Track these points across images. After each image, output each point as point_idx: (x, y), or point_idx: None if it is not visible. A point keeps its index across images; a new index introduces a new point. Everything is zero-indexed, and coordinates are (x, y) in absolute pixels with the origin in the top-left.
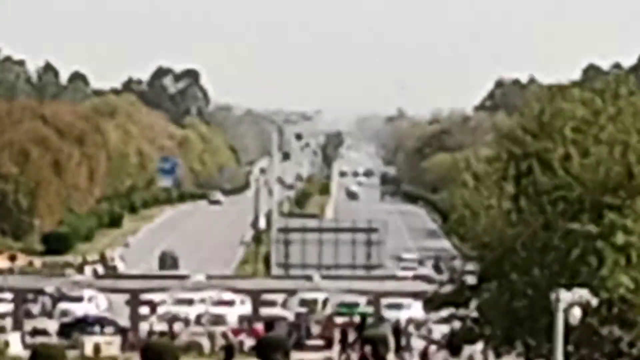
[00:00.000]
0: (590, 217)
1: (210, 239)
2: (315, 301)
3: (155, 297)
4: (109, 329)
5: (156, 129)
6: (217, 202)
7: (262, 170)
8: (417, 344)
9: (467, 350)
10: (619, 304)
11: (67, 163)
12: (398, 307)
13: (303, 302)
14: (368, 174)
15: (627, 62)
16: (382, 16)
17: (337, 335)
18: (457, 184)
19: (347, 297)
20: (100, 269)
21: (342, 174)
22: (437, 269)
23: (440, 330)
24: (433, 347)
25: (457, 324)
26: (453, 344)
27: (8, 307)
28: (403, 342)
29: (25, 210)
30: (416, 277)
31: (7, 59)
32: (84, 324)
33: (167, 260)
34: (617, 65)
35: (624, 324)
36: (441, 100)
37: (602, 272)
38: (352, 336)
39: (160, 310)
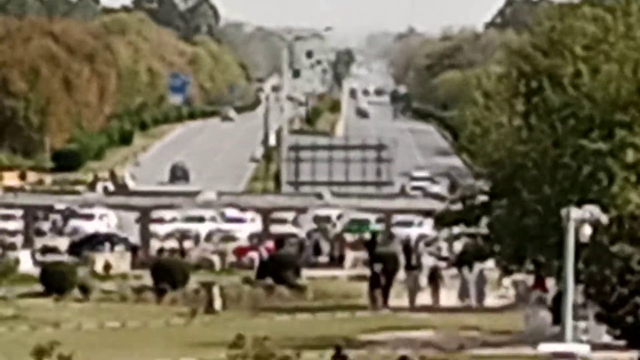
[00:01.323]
0: (600, 134)
1: (220, 156)
2: (328, 218)
3: (166, 214)
4: (119, 247)
5: (166, 46)
6: (229, 119)
7: (275, 88)
8: (428, 261)
9: (477, 267)
10: (629, 221)
11: (77, 81)
12: (408, 224)
13: (317, 219)
14: (379, 92)
15: None
16: None
17: (348, 252)
18: (467, 101)
19: (358, 214)
20: (110, 187)
21: (353, 92)
22: (452, 188)
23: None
24: (443, 264)
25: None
26: (463, 260)
27: (18, 225)
28: (413, 259)
29: (36, 128)
30: (427, 195)
31: None
32: (94, 242)
33: (178, 172)
34: None
35: (634, 241)
36: (452, 17)
37: (612, 190)
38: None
39: (171, 227)
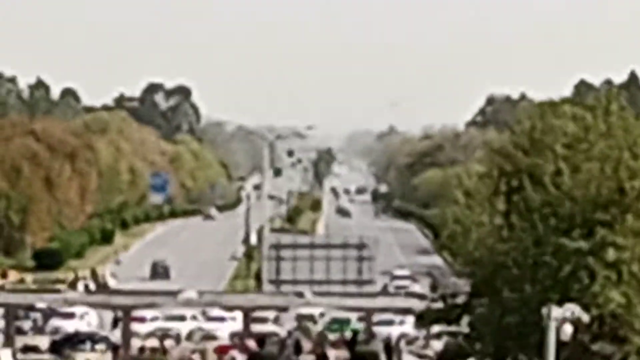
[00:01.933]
0: (581, 233)
1: (201, 254)
2: (311, 316)
3: (147, 313)
4: (100, 346)
5: (147, 145)
6: (211, 218)
7: (256, 187)
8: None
9: None
10: (610, 320)
11: (59, 179)
12: (390, 323)
13: (299, 317)
14: (360, 190)
15: (618, 78)
16: (373, 32)
17: (329, 351)
18: (448, 200)
19: (339, 313)
20: (91, 286)
21: (334, 191)
22: (433, 287)
23: (434, 347)
24: None
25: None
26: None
27: None
28: (394, 358)
29: (17, 227)
30: (408, 294)
31: None
32: (75, 341)
33: (159, 269)
34: (608, 82)
35: (615, 340)
36: (432, 117)
37: (593, 288)
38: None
39: (152, 326)
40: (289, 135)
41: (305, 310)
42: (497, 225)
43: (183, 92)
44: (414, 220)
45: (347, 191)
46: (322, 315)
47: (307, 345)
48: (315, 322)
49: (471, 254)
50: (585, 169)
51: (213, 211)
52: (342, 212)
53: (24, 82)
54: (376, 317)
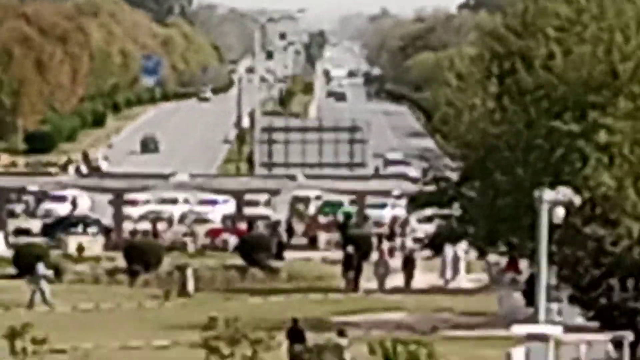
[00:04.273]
0: (573, 115)
1: (193, 137)
2: (307, 198)
3: (139, 196)
4: (92, 229)
5: (139, 28)
6: (206, 99)
7: (248, 70)
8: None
9: (449, 251)
10: (602, 202)
11: (50, 62)
12: (382, 206)
13: (296, 199)
14: (352, 73)
15: None
16: None
17: (321, 234)
18: (440, 83)
19: (331, 196)
20: (83, 169)
21: (326, 74)
22: (426, 170)
23: (423, 230)
24: (416, 246)
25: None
26: (435, 243)
27: None
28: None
29: (8, 110)
30: (400, 176)
31: None
32: (67, 224)
33: (149, 144)
34: None
35: (606, 223)
36: None
37: (585, 171)
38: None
39: (144, 209)
40: (281, 18)
41: (301, 193)
42: (489, 108)
43: None
44: (407, 103)
45: (339, 73)
46: (318, 198)
47: (299, 227)
48: (308, 205)
49: (463, 137)
50: (578, 52)
51: (208, 93)
52: (336, 96)
53: None
54: (368, 200)
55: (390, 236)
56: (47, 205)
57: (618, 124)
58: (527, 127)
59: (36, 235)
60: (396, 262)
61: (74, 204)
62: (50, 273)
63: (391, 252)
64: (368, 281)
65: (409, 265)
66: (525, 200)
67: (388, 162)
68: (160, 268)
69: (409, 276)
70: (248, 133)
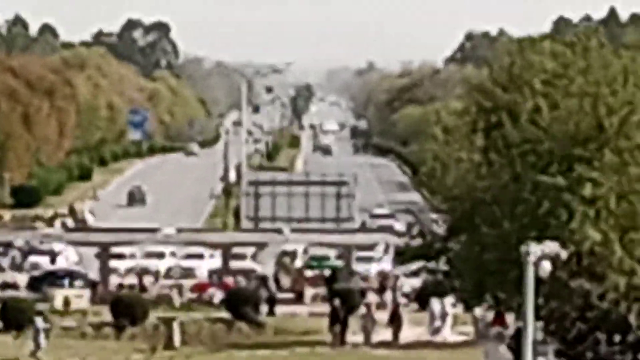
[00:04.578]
0: (559, 169)
1: (180, 191)
2: (295, 252)
3: (125, 250)
4: (78, 282)
5: (126, 81)
6: (192, 154)
7: (235, 124)
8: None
9: (436, 304)
10: (588, 256)
11: (37, 116)
12: (368, 260)
13: (283, 253)
14: (341, 126)
15: (597, 15)
16: None
17: (307, 289)
18: (427, 136)
19: (318, 250)
20: (70, 222)
21: (312, 127)
22: (412, 224)
23: (410, 284)
24: (403, 300)
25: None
26: (422, 297)
27: None
28: (388, 296)
29: None
30: (387, 230)
31: None
32: (53, 277)
33: (136, 196)
34: (587, 18)
35: (593, 277)
36: (411, 53)
37: (571, 225)
38: (323, 290)
39: (130, 263)
40: (268, 71)
41: (289, 247)
42: (475, 161)
43: (161, 28)
44: (393, 156)
45: (325, 127)
46: (305, 252)
47: (286, 281)
48: (295, 258)
49: (450, 191)
50: (564, 106)
51: (195, 147)
52: (323, 150)
53: (2, 19)
54: (355, 254)
55: (381, 290)
56: (33, 259)
57: (604, 178)
58: (514, 180)
59: (23, 289)
60: (383, 315)
61: (52, 259)
62: (49, 326)
63: (381, 306)
64: (354, 335)
65: (396, 319)
66: (512, 254)
67: (375, 216)
68: (146, 322)
69: (396, 330)
70: (235, 187)
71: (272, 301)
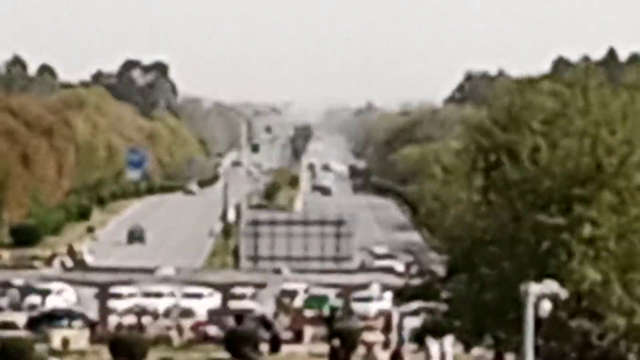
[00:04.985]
0: (559, 209)
1: (179, 231)
2: (295, 292)
3: (124, 290)
4: (77, 322)
5: (124, 121)
6: (192, 193)
7: (234, 163)
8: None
9: (433, 344)
10: (587, 296)
11: (35, 156)
12: (368, 299)
13: (283, 293)
14: (337, 167)
15: (596, 54)
16: (351, 8)
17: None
18: (426, 176)
19: (317, 290)
20: (68, 262)
21: (311, 167)
22: (412, 263)
23: (410, 324)
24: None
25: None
26: (421, 337)
27: None
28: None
29: None
30: (386, 270)
31: None
32: (52, 317)
33: (136, 234)
34: (586, 58)
35: (593, 317)
36: (410, 93)
37: (570, 265)
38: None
39: (129, 303)
40: (267, 111)
41: (289, 287)
42: (474, 201)
43: (160, 68)
44: (392, 196)
45: (325, 167)
46: (306, 291)
47: (285, 321)
48: (295, 298)
49: (449, 230)
50: (563, 145)
51: (194, 186)
52: (322, 190)
53: (1, 59)
54: (354, 294)
55: (386, 329)
56: (32, 299)
57: (603, 218)
58: (513, 220)
59: (21, 329)
60: (384, 355)
61: (43, 298)
62: None
63: (385, 345)
64: None
65: (397, 359)
66: (511, 294)
67: (374, 256)
68: None
69: None
70: (234, 226)
71: (275, 341)
